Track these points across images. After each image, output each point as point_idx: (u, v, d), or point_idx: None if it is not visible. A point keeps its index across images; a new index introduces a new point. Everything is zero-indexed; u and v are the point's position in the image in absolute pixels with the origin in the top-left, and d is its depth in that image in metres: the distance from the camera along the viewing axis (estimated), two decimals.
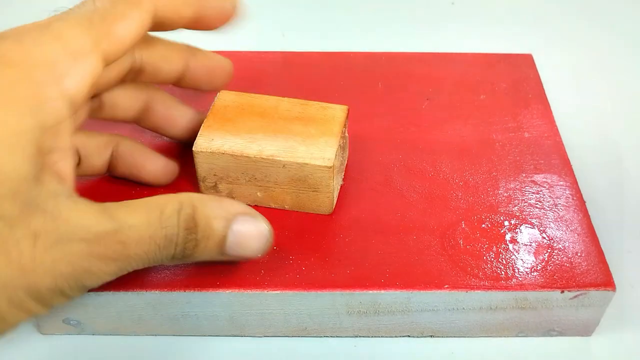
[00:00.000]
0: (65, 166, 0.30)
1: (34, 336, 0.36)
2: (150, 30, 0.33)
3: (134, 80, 0.36)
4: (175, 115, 0.38)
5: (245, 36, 0.56)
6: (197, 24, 0.34)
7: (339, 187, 0.37)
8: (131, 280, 0.33)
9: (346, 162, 0.39)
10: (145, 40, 0.34)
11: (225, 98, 0.38)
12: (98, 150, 0.36)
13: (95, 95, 0.35)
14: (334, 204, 0.37)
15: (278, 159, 0.34)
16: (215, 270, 0.34)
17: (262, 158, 0.34)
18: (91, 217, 0.28)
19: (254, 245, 0.32)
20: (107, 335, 0.36)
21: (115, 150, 0.37)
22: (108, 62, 0.30)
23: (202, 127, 0.36)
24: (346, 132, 0.38)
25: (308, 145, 0.35)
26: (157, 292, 0.33)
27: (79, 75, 0.29)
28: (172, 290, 0.33)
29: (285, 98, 0.37)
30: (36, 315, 0.28)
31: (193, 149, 0.35)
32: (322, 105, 0.37)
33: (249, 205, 0.35)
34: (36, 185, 0.27)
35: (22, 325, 0.36)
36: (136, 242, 0.28)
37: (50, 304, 0.28)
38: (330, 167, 0.34)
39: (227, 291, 0.33)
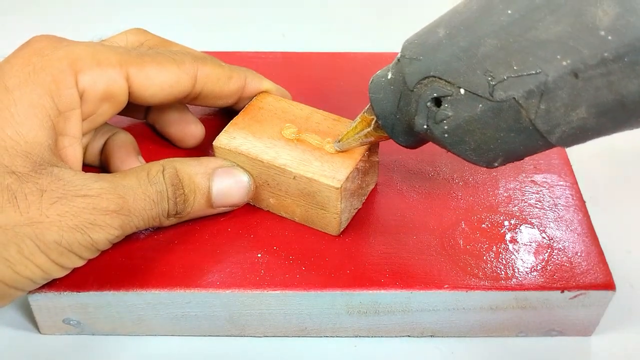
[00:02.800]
0: (74, 153, 0.33)
1: (34, 336, 0.36)
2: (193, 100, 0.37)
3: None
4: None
5: (245, 36, 0.56)
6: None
7: (355, 211, 0.36)
8: (131, 280, 0.33)
9: (373, 185, 0.38)
10: (207, 70, 0.36)
11: (262, 99, 0.38)
12: (94, 136, 0.38)
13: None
14: (343, 227, 0.36)
15: (289, 169, 0.34)
16: (215, 270, 0.34)
17: (275, 166, 0.34)
18: (91, 178, 0.31)
19: (236, 195, 0.35)
20: (107, 335, 0.36)
21: (109, 141, 0.38)
22: (133, 85, 0.34)
23: (229, 123, 0.36)
24: (376, 156, 0.37)
25: (324, 161, 0.34)
26: (157, 292, 0.33)
27: (95, 77, 0.33)
28: (172, 290, 0.33)
29: (320, 110, 0.37)
30: (47, 274, 0.31)
31: (214, 143, 0.36)
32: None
33: (263, 210, 0.37)
34: (48, 154, 0.31)
35: (22, 324, 0.36)
36: (132, 197, 0.32)
37: (60, 262, 0.30)
38: (339, 189, 0.33)
39: (227, 291, 0.33)
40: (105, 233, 0.31)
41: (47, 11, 0.58)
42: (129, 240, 0.35)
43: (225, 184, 0.35)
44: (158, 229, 0.36)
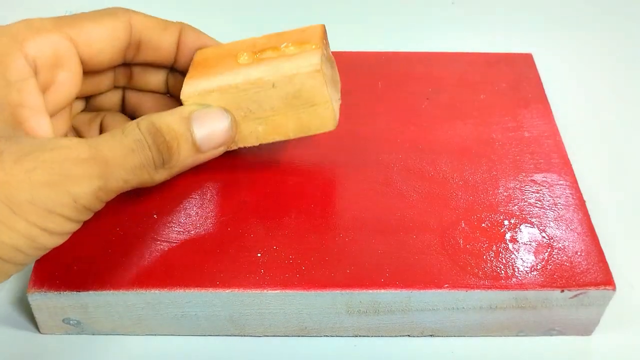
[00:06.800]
0: (38, 125, 0.31)
1: (34, 336, 0.36)
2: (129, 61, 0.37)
3: (134, 57, 0.37)
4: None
5: (245, 36, 0.56)
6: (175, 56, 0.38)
7: (339, 104, 0.37)
8: (131, 280, 0.33)
9: (340, 83, 0.38)
10: (140, 18, 0.36)
11: (203, 53, 0.37)
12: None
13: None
14: (337, 117, 0.36)
15: (267, 79, 0.34)
16: (215, 269, 0.34)
17: (251, 83, 0.34)
18: (58, 138, 0.30)
19: (221, 133, 0.34)
20: (106, 335, 0.36)
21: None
22: (78, 45, 0.34)
23: (185, 79, 0.36)
24: (329, 51, 0.37)
25: (292, 61, 0.34)
26: (156, 291, 0.33)
27: (38, 42, 0.32)
28: (172, 290, 0.33)
29: (261, 35, 0.37)
30: (35, 241, 0.28)
31: (181, 97, 0.35)
32: (298, 29, 0.37)
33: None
34: (2, 124, 0.29)
35: (22, 324, 0.36)
36: (107, 147, 0.30)
37: (43, 225, 0.28)
38: (319, 71, 0.34)
39: (227, 291, 0.33)
40: (85, 185, 0.28)
41: None
42: (129, 241, 0.35)
43: (206, 125, 0.34)
44: (157, 227, 0.36)
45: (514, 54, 0.47)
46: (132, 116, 0.39)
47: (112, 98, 0.39)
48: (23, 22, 0.33)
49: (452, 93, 0.44)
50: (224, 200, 0.37)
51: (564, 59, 0.53)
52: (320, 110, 0.35)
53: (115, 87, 0.39)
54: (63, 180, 0.27)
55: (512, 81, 0.45)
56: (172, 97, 0.39)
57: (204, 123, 0.34)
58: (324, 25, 0.37)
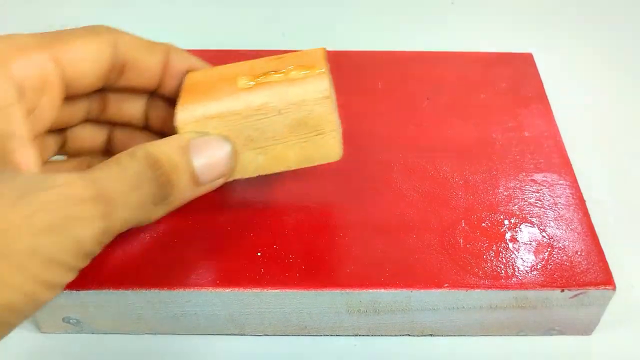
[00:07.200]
0: (27, 157, 0.28)
1: (34, 335, 0.36)
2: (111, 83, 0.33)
3: (116, 80, 0.34)
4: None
5: (245, 36, 0.56)
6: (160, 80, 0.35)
7: (341, 130, 0.34)
8: (131, 279, 0.33)
9: (337, 108, 0.35)
10: (125, 37, 0.33)
11: (194, 76, 0.35)
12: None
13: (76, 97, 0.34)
14: (342, 146, 0.34)
15: (271, 105, 0.32)
16: (215, 269, 0.34)
17: (255, 110, 0.32)
18: (53, 174, 0.25)
19: (221, 162, 0.31)
20: (106, 334, 0.36)
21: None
22: (63, 66, 0.31)
23: (177, 105, 0.32)
24: (330, 76, 0.35)
25: (299, 86, 0.32)
26: (156, 290, 0.33)
27: (23, 63, 0.29)
28: (172, 289, 0.33)
29: (258, 58, 0.35)
30: (33, 299, 0.24)
31: (175, 123, 0.32)
32: (298, 52, 0.35)
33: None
34: None
35: (22, 323, 0.36)
36: (108, 183, 0.26)
37: (44, 277, 0.24)
38: (329, 97, 0.32)
39: (227, 290, 0.33)
40: (89, 227, 0.25)
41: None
42: (128, 240, 0.35)
43: (205, 154, 0.31)
44: (157, 226, 0.36)
45: (514, 53, 0.47)
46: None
47: (93, 137, 0.36)
48: (4, 38, 0.29)
49: (452, 93, 0.44)
50: (224, 200, 0.37)
51: (564, 59, 0.53)
52: (326, 139, 0.33)
53: (88, 121, 0.36)
54: (66, 223, 0.24)
55: (512, 81, 0.45)
56: (151, 133, 0.37)
57: (203, 152, 0.31)
58: (325, 49, 0.35)
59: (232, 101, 0.32)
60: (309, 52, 0.35)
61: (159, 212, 0.30)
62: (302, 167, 0.34)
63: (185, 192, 0.30)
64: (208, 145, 0.31)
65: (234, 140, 0.32)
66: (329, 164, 0.37)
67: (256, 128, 0.32)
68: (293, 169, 0.34)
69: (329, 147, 0.34)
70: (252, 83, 0.33)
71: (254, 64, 0.35)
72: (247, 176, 0.34)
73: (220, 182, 0.33)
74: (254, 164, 0.34)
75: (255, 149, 0.33)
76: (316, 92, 0.32)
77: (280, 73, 0.33)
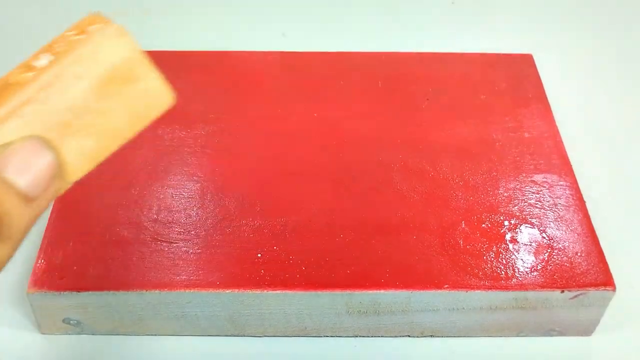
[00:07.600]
0: None
1: (34, 336, 0.36)
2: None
3: None
4: None
5: (245, 36, 0.56)
6: None
7: (159, 73, 0.29)
8: (131, 280, 0.33)
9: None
10: None
11: None
12: None
13: None
14: (168, 87, 0.28)
15: (66, 73, 0.27)
16: (215, 270, 0.34)
17: (50, 87, 0.27)
18: None
19: (46, 166, 0.26)
20: (106, 335, 0.36)
21: None
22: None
23: None
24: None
25: (87, 44, 0.27)
26: (157, 292, 0.33)
27: None
28: (172, 290, 0.33)
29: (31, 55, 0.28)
30: None
31: None
32: (65, 31, 0.29)
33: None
34: None
35: (22, 324, 0.36)
36: None
37: None
38: (126, 34, 0.27)
39: (227, 291, 0.33)
40: None
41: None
42: (129, 240, 0.35)
43: (22, 164, 0.26)
44: (157, 228, 0.35)
45: (514, 54, 0.47)
46: None
47: None
48: None
49: (452, 93, 0.44)
50: (224, 201, 0.37)
51: (564, 59, 0.53)
52: (146, 84, 0.28)
53: None
54: None
55: (512, 81, 0.45)
56: None
57: (18, 163, 0.25)
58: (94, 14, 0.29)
59: (20, 94, 0.27)
60: (79, 22, 0.29)
61: (2, 252, 0.25)
62: (141, 127, 0.29)
63: (20, 219, 0.25)
64: (19, 153, 0.26)
65: (48, 135, 0.27)
66: (329, 164, 0.37)
67: (64, 109, 0.27)
68: (132, 135, 0.29)
69: (154, 92, 0.29)
70: (31, 74, 0.27)
71: (29, 61, 0.28)
72: (85, 173, 0.28)
73: (55, 189, 0.27)
74: (83, 152, 0.28)
75: (76, 133, 0.28)
76: (105, 36, 0.27)
77: (54, 53, 0.28)
